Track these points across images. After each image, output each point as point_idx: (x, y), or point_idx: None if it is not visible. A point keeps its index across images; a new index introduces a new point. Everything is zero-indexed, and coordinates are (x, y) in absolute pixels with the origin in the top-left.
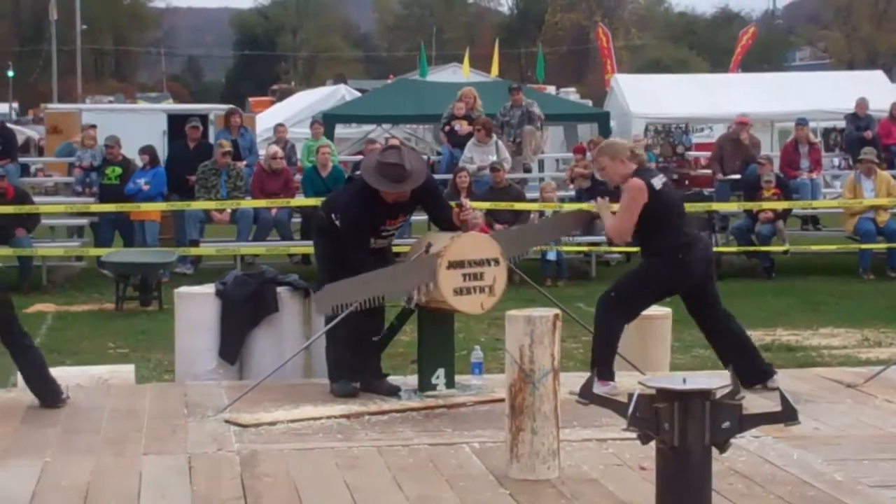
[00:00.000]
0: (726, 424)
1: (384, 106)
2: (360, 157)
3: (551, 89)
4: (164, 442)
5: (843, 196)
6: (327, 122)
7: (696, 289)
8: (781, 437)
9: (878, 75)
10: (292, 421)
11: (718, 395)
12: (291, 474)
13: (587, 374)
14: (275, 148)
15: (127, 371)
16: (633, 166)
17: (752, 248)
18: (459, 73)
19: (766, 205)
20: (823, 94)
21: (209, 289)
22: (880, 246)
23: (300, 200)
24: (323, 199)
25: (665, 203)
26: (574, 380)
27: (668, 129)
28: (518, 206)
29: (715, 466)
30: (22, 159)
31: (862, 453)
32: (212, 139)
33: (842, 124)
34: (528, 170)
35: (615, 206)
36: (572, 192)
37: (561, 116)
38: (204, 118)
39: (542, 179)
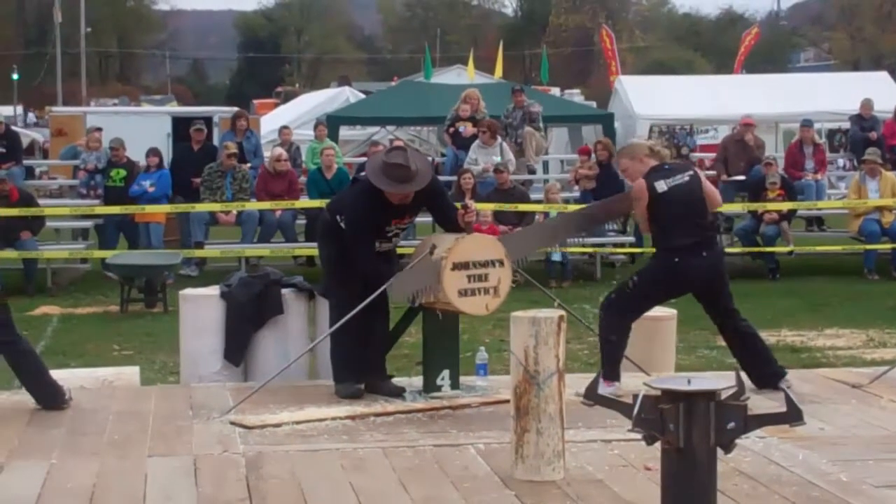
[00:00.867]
0: (731, 425)
1: (388, 108)
2: (364, 159)
3: (556, 91)
4: (169, 444)
5: (847, 197)
6: (332, 123)
7: (706, 294)
8: (787, 437)
9: (883, 76)
10: (297, 422)
11: (723, 395)
12: (297, 476)
13: (592, 375)
14: (279, 150)
15: (132, 373)
16: (651, 163)
17: (756, 249)
18: (464, 75)
19: (770, 206)
20: (828, 95)
21: (214, 290)
22: (885, 246)
23: (305, 202)
24: (328, 200)
25: (668, 204)
26: (579, 381)
27: (673, 131)
28: (523, 207)
29: (720, 467)
30: (27, 162)
31: (867, 454)
32: (216, 142)
33: (846, 125)
34: (531, 171)
35: None
36: (577, 194)
37: (565, 118)
38: (208, 121)
39: (546, 181)
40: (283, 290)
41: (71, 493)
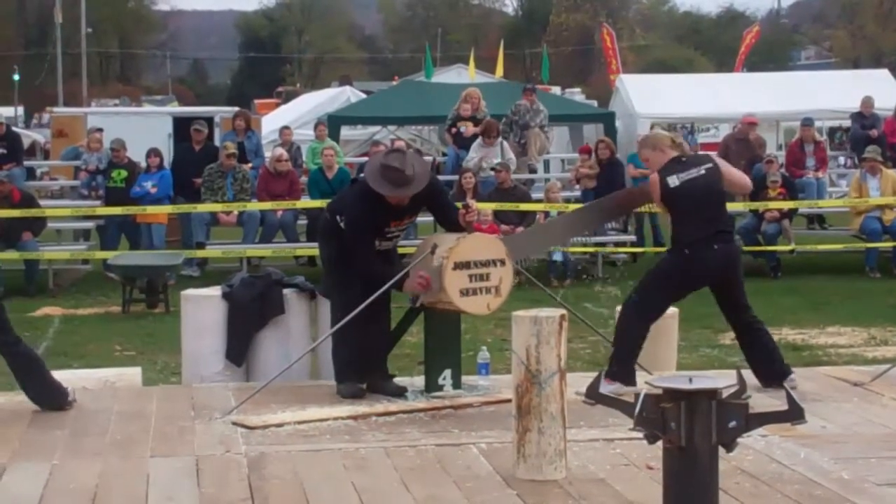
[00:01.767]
0: (733, 424)
1: (389, 107)
2: (365, 159)
3: (556, 90)
4: (171, 444)
5: (848, 195)
6: (333, 123)
7: (720, 286)
8: (788, 435)
9: (884, 74)
10: (299, 422)
11: (725, 394)
12: (299, 476)
13: (594, 375)
14: (280, 150)
15: (134, 373)
16: (672, 154)
17: (758, 248)
18: (464, 75)
19: (771, 204)
20: (829, 93)
21: (216, 291)
22: (886, 244)
23: (306, 202)
24: (329, 200)
25: (680, 198)
26: (581, 380)
27: (674, 129)
28: (523, 206)
29: (722, 466)
30: (28, 163)
31: (869, 452)
32: (217, 142)
33: (847, 123)
34: (532, 170)
35: None
36: (578, 193)
37: (566, 117)
38: (209, 121)
39: (547, 180)
40: (285, 291)
41: (73, 493)
